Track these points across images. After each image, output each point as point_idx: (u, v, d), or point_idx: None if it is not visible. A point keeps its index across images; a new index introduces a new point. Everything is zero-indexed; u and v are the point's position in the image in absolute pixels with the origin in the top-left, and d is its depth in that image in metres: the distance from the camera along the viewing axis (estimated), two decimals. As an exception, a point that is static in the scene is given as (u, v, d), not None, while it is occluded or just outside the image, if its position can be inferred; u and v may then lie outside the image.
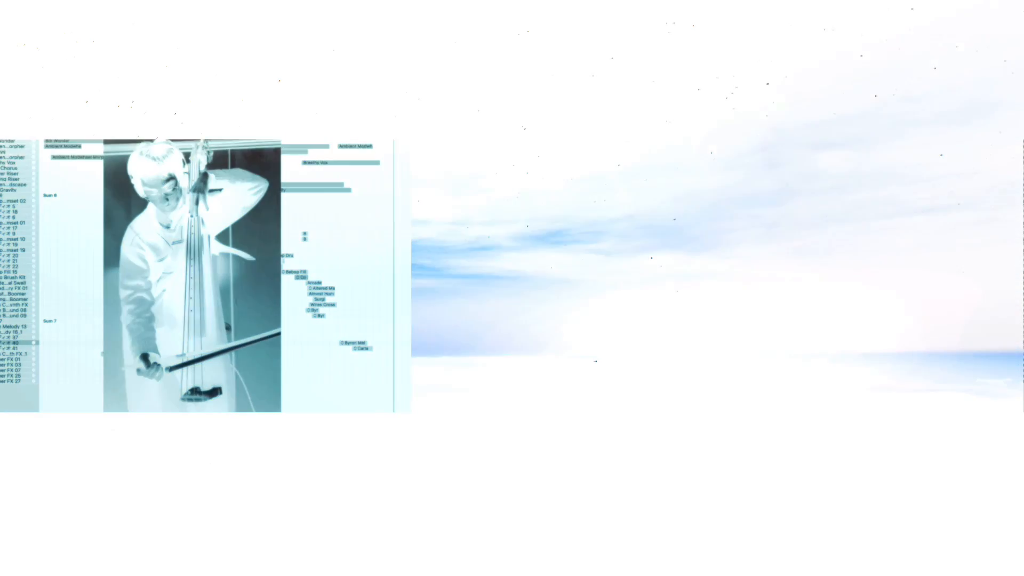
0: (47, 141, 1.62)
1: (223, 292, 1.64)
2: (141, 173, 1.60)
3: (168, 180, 1.61)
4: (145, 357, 1.62)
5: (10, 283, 1.62)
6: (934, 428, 1.61)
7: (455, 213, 1.63)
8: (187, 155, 1.61)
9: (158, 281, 1.63)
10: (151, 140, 1.61)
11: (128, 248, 1.62)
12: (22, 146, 1.61)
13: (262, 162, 1.63)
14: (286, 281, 1.63)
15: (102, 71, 1.62)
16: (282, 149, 1.63)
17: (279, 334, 1.62)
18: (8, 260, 1.62)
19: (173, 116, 1.62)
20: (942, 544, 1.62)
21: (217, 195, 1.62)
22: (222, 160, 1.63)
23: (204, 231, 1.63)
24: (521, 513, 1.64)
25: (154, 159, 1.60)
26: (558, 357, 1.62)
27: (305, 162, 1.63)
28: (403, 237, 1.62)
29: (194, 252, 1.63)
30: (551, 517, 1.64)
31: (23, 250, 1.62)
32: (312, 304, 1.63)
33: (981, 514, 1.62)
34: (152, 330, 1.63)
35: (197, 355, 1.62)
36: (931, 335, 1.62)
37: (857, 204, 1.62)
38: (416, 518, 1.65)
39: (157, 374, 1.62)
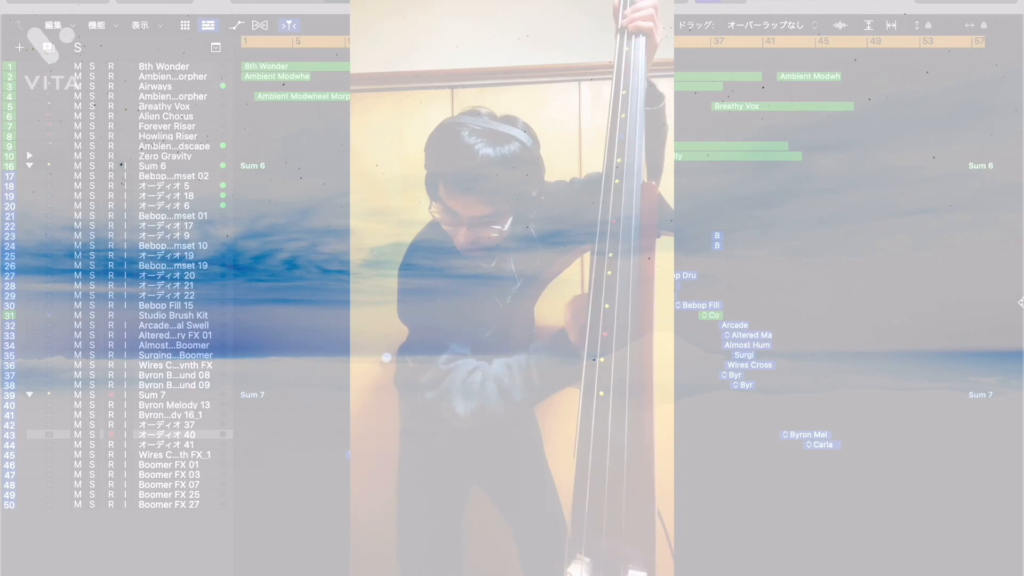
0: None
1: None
2: None
3: None
4: None
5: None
6: (931, 428, 1.61)
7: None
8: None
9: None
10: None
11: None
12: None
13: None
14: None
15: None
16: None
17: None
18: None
19: None
20: (939, 544, 1.63)
21: None
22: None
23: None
24: (520, 513, 1.64)
25: None
26: (558, 357, 1.63)
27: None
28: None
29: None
30: (551, 518, 1.64)
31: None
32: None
33: (977, 514, 1.64)
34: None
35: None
36: (928, 334, 1.63)
37: (853, 205, 1.64)
38: (415, 518, 1.65)
39: None
